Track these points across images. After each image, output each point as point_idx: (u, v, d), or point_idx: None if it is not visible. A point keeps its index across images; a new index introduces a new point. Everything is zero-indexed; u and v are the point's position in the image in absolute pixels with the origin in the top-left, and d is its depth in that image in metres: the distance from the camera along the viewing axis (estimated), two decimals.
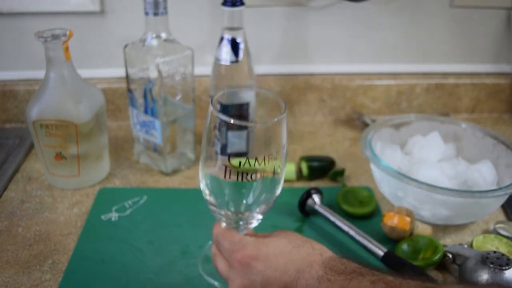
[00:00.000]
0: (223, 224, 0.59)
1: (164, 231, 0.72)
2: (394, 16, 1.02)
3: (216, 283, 0.63)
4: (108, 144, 0.85)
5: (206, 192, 0.57)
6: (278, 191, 0.58)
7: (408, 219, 0.68)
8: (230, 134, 0.56)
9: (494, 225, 0.72)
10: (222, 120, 0.52)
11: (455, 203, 0.68)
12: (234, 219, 0.58)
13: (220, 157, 0.53)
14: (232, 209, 0.57)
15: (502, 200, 0.71)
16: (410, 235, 0.69)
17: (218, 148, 0.53)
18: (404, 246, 0.67)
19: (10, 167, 0.85)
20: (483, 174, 0.75)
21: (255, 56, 0.88)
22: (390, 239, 0.70)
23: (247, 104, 0.59)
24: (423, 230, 0.70)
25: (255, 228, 0.61)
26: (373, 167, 0.76)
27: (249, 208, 0.57)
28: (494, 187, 0.74)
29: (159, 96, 0.79)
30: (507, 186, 0.68)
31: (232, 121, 0.51)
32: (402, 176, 0.69)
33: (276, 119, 0.53)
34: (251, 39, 0.86)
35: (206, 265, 0.65)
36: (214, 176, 0.55)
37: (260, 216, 0.59)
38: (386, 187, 0.76)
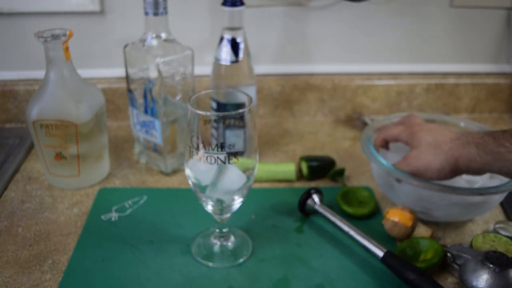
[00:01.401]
0: (209, 207, 0.64)
1: (164, 231, 0.72)
2: (394, 16, 1.02)
3: (210, 264, 0.66)
4: (108, 144, 0.85)
5: (191, 176, 0.62)
6: (252, 180, 0.63)
7: (410, 215, 0.68)
8: (228, 132, 0.59)
9: (494, 225, 0.72)
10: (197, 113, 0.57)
11: (462, 201, 0.69)
12: (217, 201, 0.63)
13: (200, 146, 0.58)
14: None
15: (502, 196, 0.72)
16: (411, 233, 0.69)
17: (199, 139, 0.58)
18: (405, 248, 0.67)
19: (10, 167, 0.86)
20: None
21: (255, 56, 0.88)
22: (390, 239, 0.70)
23: (244, 104, 0.60)
24: (424, 231, 0.70)
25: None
26: (374, 166, 0.76)
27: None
28: (488, 182, 0.75)
29: (159, 96, 0.79)
30: (507, 183, 0.69)
31: (198, 111, 0.57)
32: (403, 175, 0.69)
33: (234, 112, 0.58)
34: (251, 39, 0.86)
35: (199, 250, 0.68)
36: (196, 161, 0.59)
37: (240, 199, 0.63)
38: (385, 186, 0.76)
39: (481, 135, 0.65)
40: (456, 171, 0.66)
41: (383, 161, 0.72)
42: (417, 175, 0.68)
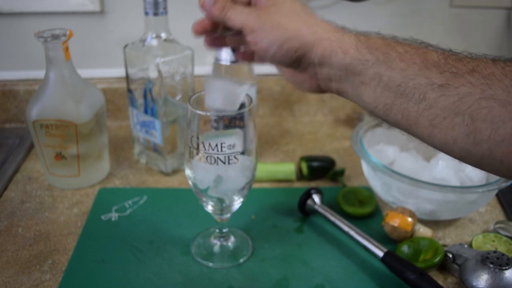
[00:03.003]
0: (209, 207, 0.64)
1: (164, 231, 0.72)
2: (394, 16, 1.02)
3: (210, 264, 0.66)
4: (108, 144, 0.85)
5: (191, 177, 0.62)
6: (252, 180, 0.63)
7: (410, 220, 0.68)
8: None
9: (494, 225, 0.73)
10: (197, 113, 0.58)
11: (437, 198, 0.69)
12: (217, 201, 0.63)
13: (201, 146, 0.58)
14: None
15: (487, 196, 0.72)
16: (411, 236, 0.69)
17: (199, 139, 0.58)
18: (405, 248, 0.67)
19: (10, 167, 0.85)
20: (468, 174, 0.75)
21: None
22: (390, 239, 0.70)
23: (243, 105, 0.60)
24: (424, 233, 0.70)
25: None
26: (363, 163, 0.77)
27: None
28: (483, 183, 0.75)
29: (159, 96, 0.79)
30: (489, 184, 0.69)
31: (198, 111, 0.57)
32: (386, 169, 0.70)
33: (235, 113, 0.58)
34: None
35: (199, 250, 0.68)
36: (196, 162, 0.59)
37: (241, 199, 0.63)
38: (373, 181, 0.77)
39: (368, 34, 0.49)
40: (304, 50, 0.49)
41: (373, 159, 0.72)
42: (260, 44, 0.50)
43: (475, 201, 0.71)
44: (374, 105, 0.47)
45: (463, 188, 0.69)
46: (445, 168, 0.74)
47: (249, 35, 0.50)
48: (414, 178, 0.69)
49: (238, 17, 0.50)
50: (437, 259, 0.64)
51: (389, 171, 0.70)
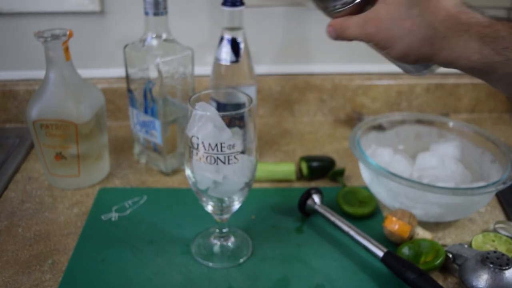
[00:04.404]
0: (209, 207, 0.64)
1: (164, 231, 0.72)
2: None
3: (210, 264, 0.66)
4: (108, 144, 0.85)
5: (191, 177, 0.62)
6: (252, 180, 0.63)
7: (408, 226, 0.68)
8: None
9: (494, 225, 0.73)
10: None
11: (446, 201, 0.69)
12: (217, 201, 0.63)
13: (200, 146, 0.58)
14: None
15: (490, 196, 0.71)
16: (410, 239, 0.69)
17: (199, 139, 0.58)
18: (405, 250, 0.67)
19: (10, 167, 0.85)
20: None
21: (255, 56, 0.88)
22: (391, 240, 0.70)
23: (244, 104, 0.60)
24: (423, 236, 0.69)
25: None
26: (362, 166, 0.76)
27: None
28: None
29: (159, 96, 0.79)
30: (495, 183, 0.69)
31: (198, 112, 0.57)
32: (394, 176, 0.69)
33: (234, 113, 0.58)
34: (251, 39, 0.86)
35: (199, 250, 0.68)
36: (196, 162, 0.59)
37: (240, 199, 0.63)
38: (376, 187, 0.76)
39: (489, 22, 0.45)
40: (429, 60, 0.49)
41: (372, 161, 0.72)
42: (370, 42, 0.51)
43: (480, 201, 0.71)
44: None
45: (473, 189, 0.68)
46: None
47: (375, 46, 0.51)
48: (426, 184, 0.68)
49: (356, 34, 0.52)
50: (438, 261, 0.63)
51: (398, 178, 0.68)
